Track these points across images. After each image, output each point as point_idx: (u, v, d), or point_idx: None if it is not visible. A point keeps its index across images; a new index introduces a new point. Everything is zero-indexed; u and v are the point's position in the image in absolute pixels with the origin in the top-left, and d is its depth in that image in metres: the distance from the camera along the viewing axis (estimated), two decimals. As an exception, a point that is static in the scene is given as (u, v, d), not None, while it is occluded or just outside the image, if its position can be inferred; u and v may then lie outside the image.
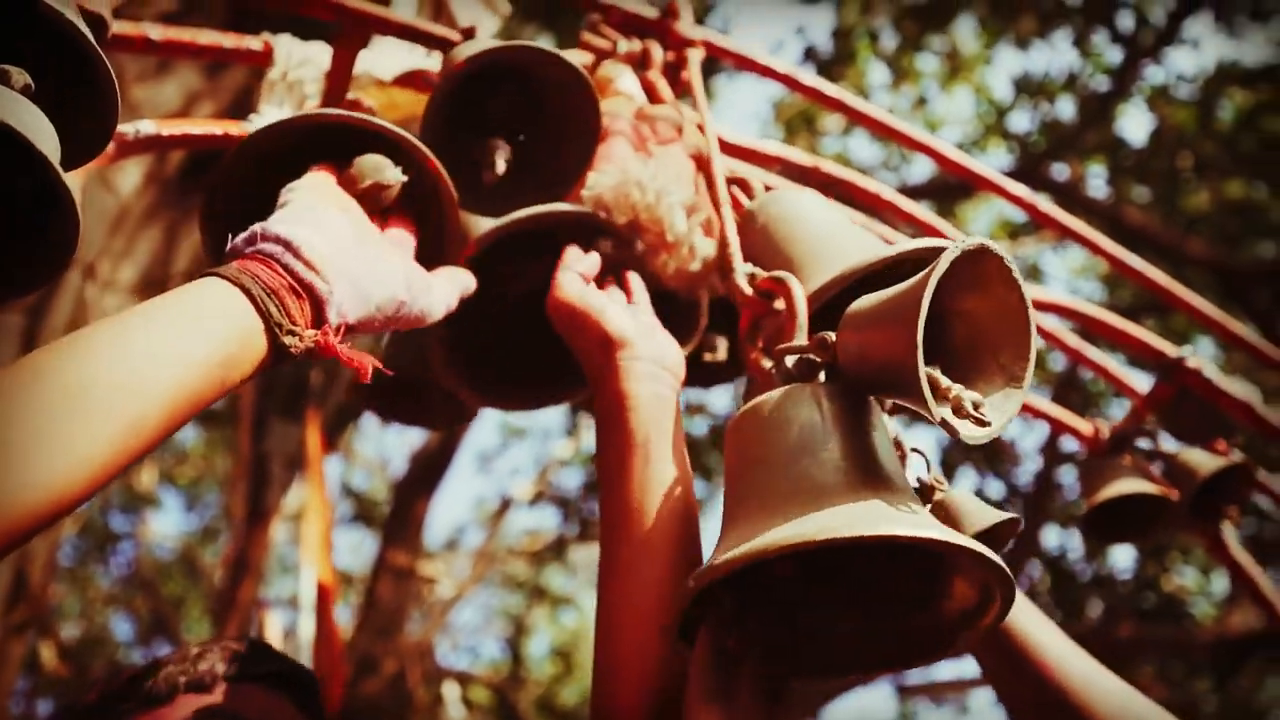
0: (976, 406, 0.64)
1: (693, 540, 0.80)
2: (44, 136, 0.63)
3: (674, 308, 1.13)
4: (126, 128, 0.96)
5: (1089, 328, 1.36)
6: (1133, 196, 6.64)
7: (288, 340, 0.65)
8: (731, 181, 1.03)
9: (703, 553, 0.80)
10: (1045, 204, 1.41)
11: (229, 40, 1.05)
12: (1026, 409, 1.44)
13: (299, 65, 1.09)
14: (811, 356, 0.74)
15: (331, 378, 4.33)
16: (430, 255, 0.86)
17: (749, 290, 0.85)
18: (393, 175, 0.80)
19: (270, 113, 1.05)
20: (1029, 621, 0.88)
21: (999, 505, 0.95)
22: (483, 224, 1.00)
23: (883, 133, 1.36)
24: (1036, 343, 0.67)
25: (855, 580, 0.72)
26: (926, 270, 0.64)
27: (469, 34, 1.05)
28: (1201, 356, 1.35)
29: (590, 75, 1.16)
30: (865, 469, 0.67)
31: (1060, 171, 6.59)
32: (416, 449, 6.22)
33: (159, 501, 8.39)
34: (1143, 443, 1.36)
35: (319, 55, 1.10)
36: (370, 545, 7.54)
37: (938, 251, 0.82)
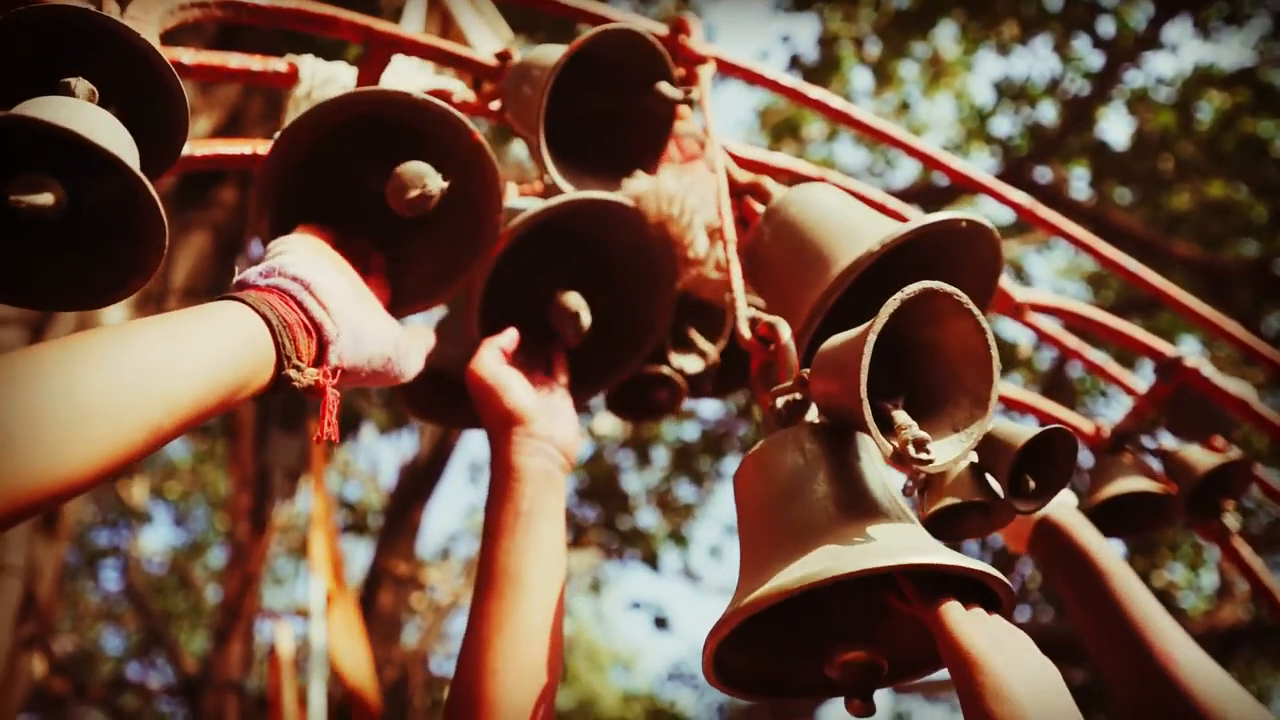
0: (921, 445, 0.68)
1: (558, 603, 0.87)
2: (123, 145, 0.66)
3: (701, 313, 1.17)
4: (162, 149, 0.98)
5: (1086, 328, 1.40)
6: (1116, 198, 6.73)
7: (291, 374, 0.69)
8: (745, 189, 1.06)
9: (564, 615, 0.87)
10: (1038, 206, 1.45)
11: (256, 63, 1.08)
12: (1028, 409, 1.48)
13: (323, 84, 1.11)
14: (796, 397, 0.78)
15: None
16: (465, 246, 0.91)
17: (749, 335, 0.88)
18: (435, 184, 0.83)
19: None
20: (1119, 573, 0.93)
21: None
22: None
23: (895, 145, 1.40)
24: (997, 366, 0.71)
25: (863, 603, 0.76)
26: (870, 321, 0.68)
27: (504, 57, 1.08)
28: (1195, 356, 1.39)
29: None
30: (850, 503, 0.71)
31: (1043, 175, 6.67)
32: (408, 460, 6.23)
33: (149, 516, 8.35)
34: (1143, 441, 1.40)
35: (341, 74, 1.13)
36: (364, 555, 7.53)
37: (943, 225, 0.86)
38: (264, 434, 4.23)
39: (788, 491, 0.73)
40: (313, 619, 2.78)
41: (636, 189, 1.00)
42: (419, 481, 5.70)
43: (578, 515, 7.01)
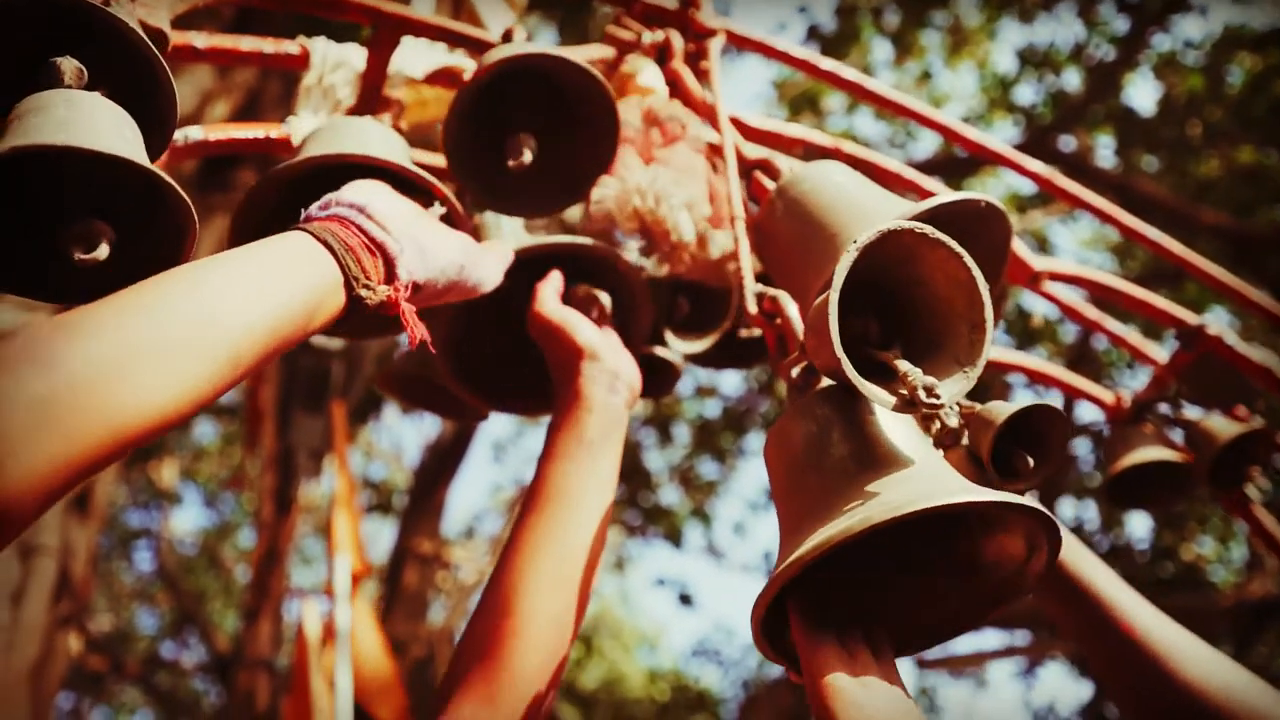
0: (929, 390, 0.67)
1: (602, 533, 0.88)
2: (117, 133, 0.67)
3: (702, 296, 1.17)
4: (176, 135, 0.99)
5: (1107, 298, 1.39)
6: (1142, 166, 6.62)
7: (363, 293, 0.71)
8: (755, 165, 1.06)
9: (604, 547, 0.88)
10: (1058, 176, 1.43)
11: (269, 46, 1.08)
12: (1049, 380, 1.47)
13: (334, 69, 1.12)
14: (805, 365, 0.78)
15: (353, 371, 4.38)
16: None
17: (756, 311, 0.88)
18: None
19: (307, 116, 1.08)
20: (1110, 586, 0.91)
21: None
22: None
23: (908, 115, 1.39)
24: (984, 286, 0.70)
25: (903, 561, 0.75)
26: (828, 285, 0.67)
27: (508, 37, 1.08)
28: (1219, 324, 1.37)
29: (614, 69, 1.19)
30: (866, 460, 0.71)
31: (1067, 143, 6.58)
32: (432, 440, 6.28)
33: (179, 498, 8.48)
34: (1164, 410, 1.38)
35: (352, 57, 1.13)
36: (390, 534, 7.62)
37: (957, 205, 0.85)
38: (287, 415, 4.28)
39: (807, 461, 0.73)
40: (338, 599, 2.82)
41: (602, 195, 1.00)
42: (443, 461, 5.74)
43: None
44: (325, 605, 2.97)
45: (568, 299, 1.02)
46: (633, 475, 6.99)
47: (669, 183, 1.00)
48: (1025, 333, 5.98)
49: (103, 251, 0.64)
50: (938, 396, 0.68)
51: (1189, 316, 1.35)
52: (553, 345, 0.97)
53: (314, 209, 0.75)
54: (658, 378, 1.18)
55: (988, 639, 6.93)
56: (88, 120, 0.65)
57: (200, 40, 1.01)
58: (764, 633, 0.70)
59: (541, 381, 1.06)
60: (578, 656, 9.28)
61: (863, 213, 0.91)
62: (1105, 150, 6.83)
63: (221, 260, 0.64)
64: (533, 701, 0.78)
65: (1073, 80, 6.61)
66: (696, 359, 1.18)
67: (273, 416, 4.17)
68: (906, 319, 0.75)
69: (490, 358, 1.13)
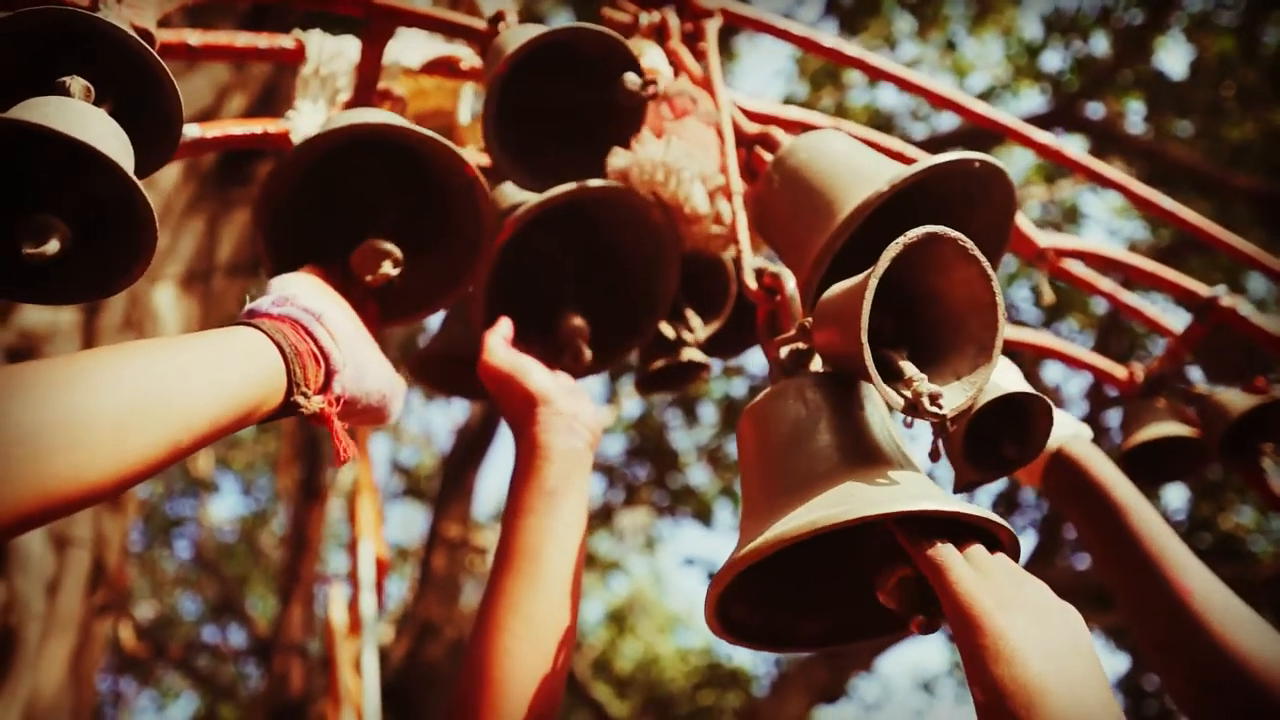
0: (935, 399, 0.67)
1: (575, 583, 0.87)
2: (117, 145, 0.67)
3: (708, 271, 1.16)
4: (174, 133, 1.00)
5: (1117, 271, 1.37)
6: (1174, 131, 6.47)
7: (299, 400, 0.72)
8: (754, 139, 1.05)
9: (580, 596, 0.88)
10: (1071, 148, 1.41)
11: (263, 40, 1.09)
12: (1060, 356, 1.45)
13: (330, 60, 1.12)
14: (799, 346, 0.77)
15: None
16: (454, 270, 0.94)
17: (755, 286, 0.88)
18: (390, 270, 0.88)
19: (305, 108, 1.09)
20: (1165, 539, 0.91)
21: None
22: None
23: (904, 87, 1.37)
24: (1003, 313, 0.70)
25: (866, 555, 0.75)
26: (870, 269, 0.67)
27: (497, 19, 1.08)
28: (1241, 294, 1.35)
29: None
30: (853, 452, 0.70)
31: (1096, 111, 6.45)
32: (460, 424, 6.33)
33: (216, 486, 8.63)
34: (1180, 384, 1.36)
35: (349, 48, 1.14)
36: (421, 519, 7.71)
37: (954, 165, 0.84)
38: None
39: (790, 441, 0.73)
40: (362, 586, 2.86)
41: (617, 166, 1.00)
42: (472, 445, 5.79)
43: (629, 474, 7.08)
44: (350, 592, 3.01)
45: (560, 330, 1.01)
46: (659, 456, 7.00)
47: (682, 154, 0.99)
48: (1054, 304, 5.89)
49: (51, 247, 0.64)
50: (940, 406, 0.68)
51: (1201, 289, 1.33)
52: (504, 394, 0.96)
53: (267, 304, 0.76)
54: (685, 374, 1.18)
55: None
56: (79, 120, 0.66)
57: (194, 38, 1.02)
58: (720, 611, 0.70)
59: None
60: (610, 638, 9.34)
61: (858, 178, 0.90)
62: (1135, 117, 6.69)
63: (178, 344, 0.65)
64: None
65: (1101, 45, 6.46)
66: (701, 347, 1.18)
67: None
68: (917, 323, 0.74)
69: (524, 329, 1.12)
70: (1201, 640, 0.85)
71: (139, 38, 0.77)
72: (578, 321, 1.02)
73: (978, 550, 0.64)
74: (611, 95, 0.99)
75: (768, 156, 1.03)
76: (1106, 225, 7.60)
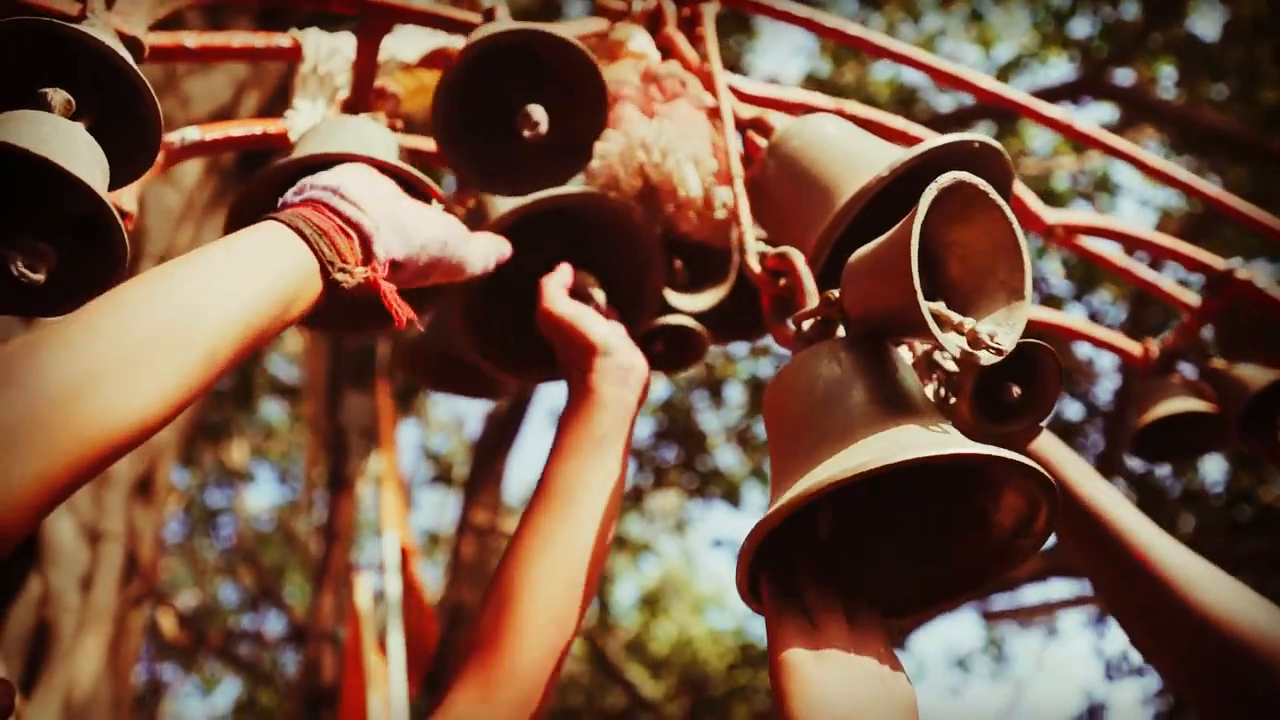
0: (993, 336, 0.66)
1: (608, 531, 0.88)
2: (89, 162, 0.68)
3: (706, 257, 1.16)
4: (173, 136, 1.02)
5: (1128, 246, 1.34)
6: (1208, 96, 6.31)
7: (339, 277, 0.71)
8: (749, 124, 1.04)
9: (610, 545, 0.89)
10: (1085, 121, 1.38)
11: (260, 40, 1.10)
12: (1072, 333, 1.43)
13: (328, 58, 1.13)
14: (824, 316, 0.76)
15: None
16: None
17: (759, 270, 0.87)
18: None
19: (304, 107, 1.10)
20: (1131, 522, 0.90)
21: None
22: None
23: (909, 64, 1.35)
24: (1029, 255, 0.69)
25: (906, 519, 0.75)
26: (909, 215, 0.66)
27: (489, 15, 1.08)
28: (1254, 267, 1.32)
29: (604, 37, 1.18)
30: (888, 407, 0.69)
31: (1126, 77, 6.31)
32: (490, 410, 6.37)
33: (252, 476, 8.77)
34: (1197, 359, 1.34)
35: (346, 46, 1.14)
36: (452, 505, 7.78)
37: (953, 147, 0.83)
38: (336, 394, 4.38)
39: (824, 400, 0.72)
40: (387, 572, 2.91)
41: (608, 151, 0.99)
42: (502, 430, 5.82)
43: (657, 457, 7.09)
44: (378, 579, 3.07)
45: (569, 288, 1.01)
46: (688, 438, 7.00)
47: (676, 136, 0.99)
48: (1086, 277, 5.80)
49: (39, 277, 0.65)
50: (999, 344, 0.67)
51: (1217, 261, 1.30)
52: (564, 342, 0.97)
53: (289, 195, 0.76)
54: (688, 348, 1.18)
55: (1056, 589, 6.83)
56: (52, 136, 0.67)
57: (191, 40, 1.03)
58: (751, 581, 0.69)
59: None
60: (644, 620, 9.39)
61: (855, 162, 0.90)
62: (1167, 82, 6.54)
63: (191, 259, 0.65)
64: (528, 694, 0.79)
65: (1131, 9, 6.31)
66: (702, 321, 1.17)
67: (322, 396, 4.28)
68: (943, 275, 0.73)
69: (506, 326, 1.13)
70: (1169, 605, 0.83)
71: (123, 47, 0.78)
72: (586, 277, 1.02)
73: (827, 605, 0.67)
74: (567, 93, 0.98)
75: (762, 142, 1.03)
76: (1139, 194, 7.46)
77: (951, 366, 0.85)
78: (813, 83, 6.52)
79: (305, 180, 0.77)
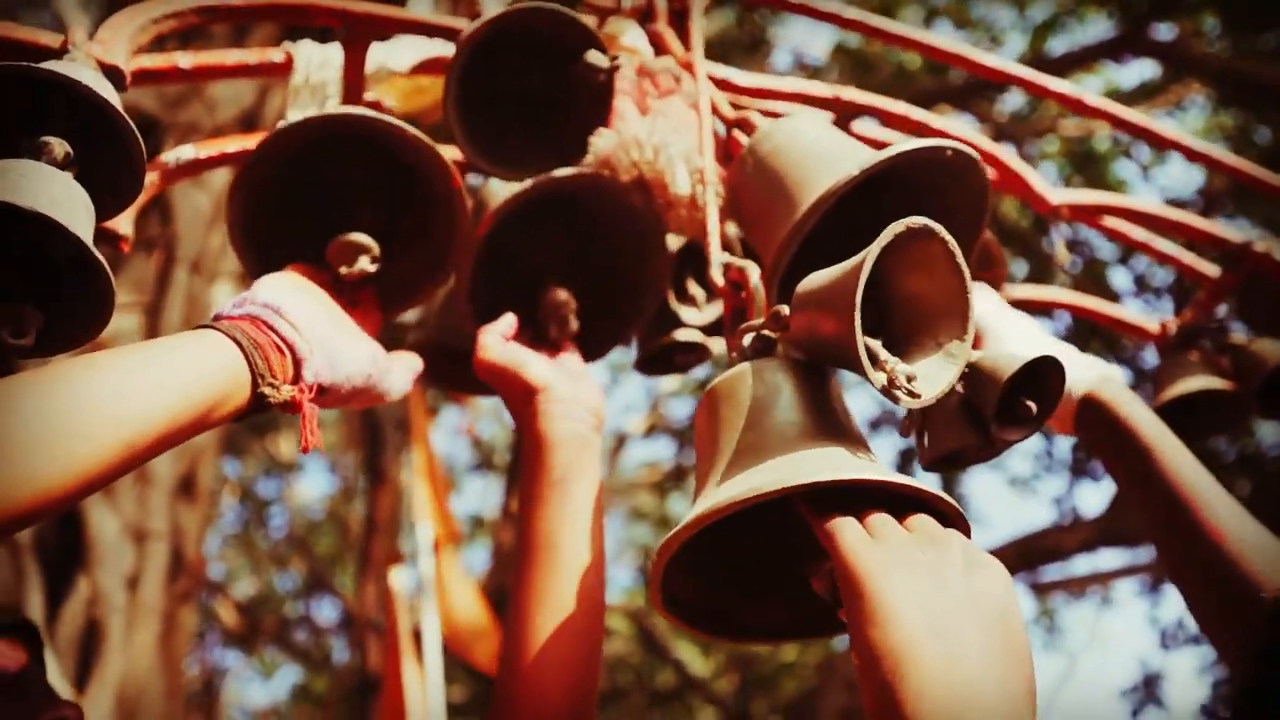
0: (910, 379, 0.66)
1: (598, 569, 0.88)
2: (78, 211, 0.70)
3: (699, 257, 1.16)
4: (168, 156, 1.04)
5: (1136, 223, 1.31)
6: (1255, 46, 6.09)
7: (267, 390, 0.73)
8: (734, 124, 1.03)
9: (604, 581, 0.88)
10: (1090, 96, 1.35)
11: (252, 56, 1.11)
12: (1087, 313, 1.40)
13: (319, 68, 1.14)
14: (766, 333, 0.76)
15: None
16: (440, 249, 0.94)
17: (722, 282, 0.87)
18: (366, 265, 0.89)
19: (296, 119, 1.11)
20: (1198, 479, 0.88)
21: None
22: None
23: (907, 46, 1.33)
24: (974, 302, 0.69)
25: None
26: (861, 255, 0.66)
27: (474, 16, 1.08)
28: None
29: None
30: (808, 432, 0.69)
31: (1168, 32, 6.11)
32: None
33: (301, 466, 8.94)
34: (1216, 335, 1.30)
35: (337, 56, 1.15)
36: (495, 490, 7.87)
37: (923, 152, 0.82)
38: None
39: (746, 420, 0.72)
40: (422, 562, 2.98)
41: (601, 147, 0.99)
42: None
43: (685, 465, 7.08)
44: (414, 568, 3.14)
45: (543, 303, 1.01)
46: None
47: (668, 132, 0.99)
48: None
49: (26, 342, 0.68)
50: (917, 393, 0.67)
51: (1234, 234, 1.26)
52: (503, 388, 0.96)
53: (228, 307, 0.78)
54: (691, 353, 1.18)
55: (1108, 559, 6.72)
56: (41, 187, 0.69)
57: (185, 60, 1.05)
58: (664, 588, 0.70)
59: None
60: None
61: (828, 163, 0.89)
62: (1211, 35, 6.31)
63: (128, 351, 0.67)
64: None
65: (1171, -39, 6.10)
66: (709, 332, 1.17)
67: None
68: (890, 309, 0.73)
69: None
70: (1236, 583, 0.82)
71: (104, 79, 0.80)
72: (561, 294, 1.02)
73: (882, 518, 0.60)
74: (575, 74, 0.98)
75: (746, 140, 1.02)
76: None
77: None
78: (842, 53, 6.43)
79: (245, 294, 0.79)
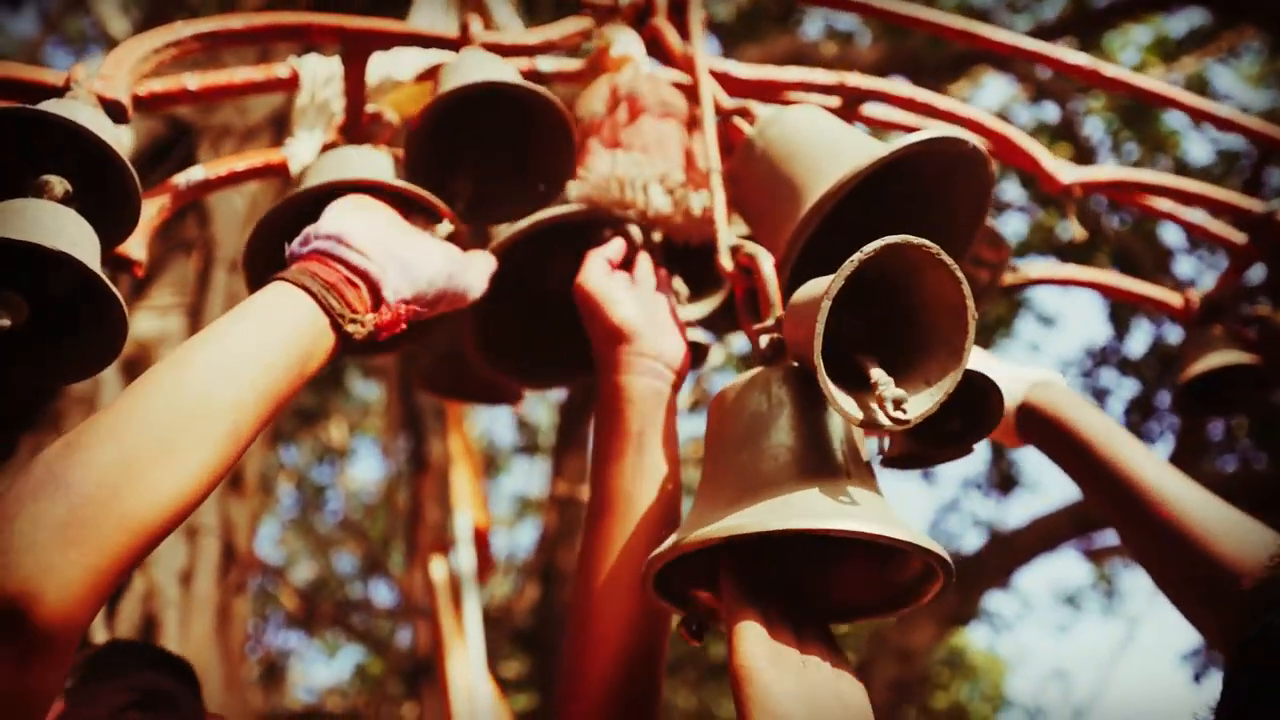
0: (898, 404, 0.66)
1: (673, 525, 0.84)
2: (81, 241, 0.73)
3: (702, 261, 1.16)
4: (179, 178, 1.06)
5: (1150, 195, 1.27)
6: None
7: (351, 329, 0.73)
8: (733, 114, 1.03)
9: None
10: (1106, 67, 1.31)
11: (259, 74, 1.13)
12: (1109, 289, 1.37)
13: (324, 84, 1.15)
14: (778, 336, 0.76)
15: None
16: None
17: (731, 266, 0.87)
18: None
19: (303, 137, 1.13)
20: (1140, 462, 0.88)
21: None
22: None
23: (912, 25, 1.31)
24: (973, 317, 0.68)
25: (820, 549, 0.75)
26: (826, 287, 0.66)
27: (464, 29, 1.09)
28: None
29: (587, 39, 1.18)
30: (806, 458, 0.70)
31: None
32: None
33: (353, 452, 9.11)
34: (1241, 308, 1.27)
35: (340, 70, 1.17)
36: (540, 471, 7.95)
37: (930, 144, 0.82)
38: (408, 378, 4.51)
39: (745, 435, 0.73)
40: (461, 552, 3.04)
41: (582, 194, 1.00)
42: (587, 396, 5.90)
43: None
44: (451, 558, 3.20)
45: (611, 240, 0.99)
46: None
47: (630, 165, 0.99)
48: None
49: (3, 323, 0.69)
50: (904, 412, 0.66)
51: (1256, 206, 1.23)
52: (591, 323, 0.94)
53: (295, 244, 0.78)
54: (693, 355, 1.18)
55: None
56: (52, 223, 0.72)
57: (193, 82, 1.07)
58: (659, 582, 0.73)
59: (574, 350, 1.06)
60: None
61: (830, 155, 0.89)
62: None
63: (205, 338, 0.68)
64: (633, 710, 0.81)
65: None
66: (707, 323, 1.17)
67: (394, 380, 4.41)
68: (889, 324, 0.73)
69: (517, 337, 1.16)
70: (1212, 570, 0.81)
71: (104, 114, 0.82)
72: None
73: (778, 610, 0.66)
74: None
75: (748, 129, 1.01)
76: (1240, 97, 6.96)
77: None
78: (874, 20, 6.30)
79: (309, 230, 0.79)
